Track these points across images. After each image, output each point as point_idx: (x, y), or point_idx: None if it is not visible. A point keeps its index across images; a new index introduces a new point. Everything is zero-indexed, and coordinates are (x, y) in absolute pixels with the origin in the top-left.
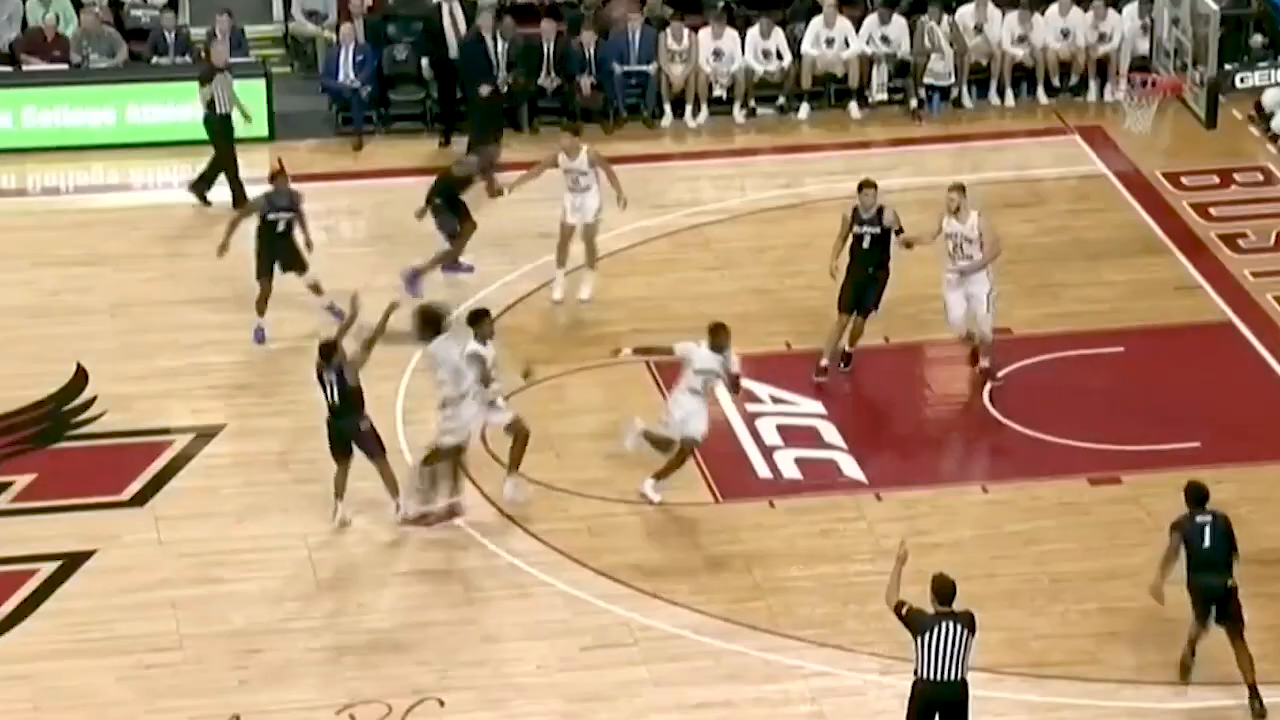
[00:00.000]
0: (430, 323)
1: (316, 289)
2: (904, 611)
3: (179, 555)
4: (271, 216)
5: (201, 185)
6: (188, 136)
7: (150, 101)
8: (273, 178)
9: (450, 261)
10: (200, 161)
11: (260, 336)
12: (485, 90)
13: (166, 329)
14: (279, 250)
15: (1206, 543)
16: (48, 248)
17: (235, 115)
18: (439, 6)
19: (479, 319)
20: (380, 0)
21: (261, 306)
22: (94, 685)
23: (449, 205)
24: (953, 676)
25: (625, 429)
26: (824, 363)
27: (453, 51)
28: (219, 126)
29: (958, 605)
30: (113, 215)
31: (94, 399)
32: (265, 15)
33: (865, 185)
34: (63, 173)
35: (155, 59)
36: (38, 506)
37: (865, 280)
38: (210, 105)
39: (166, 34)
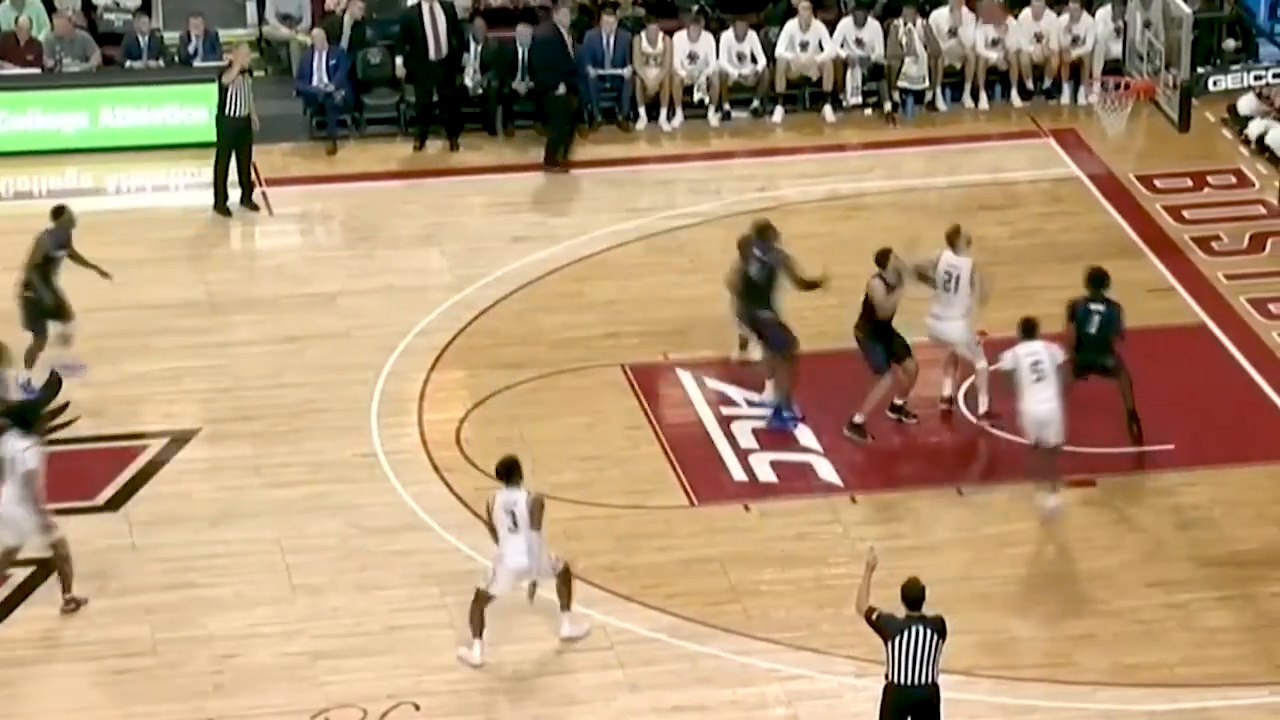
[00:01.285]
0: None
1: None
2: (874, 617)
3: (153, 560)
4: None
5: (244, 194)
6: (161, 140)
7: (123, 105)
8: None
9: None
10: (171, 165)
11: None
12: (562, 89)
13: (140, 334)
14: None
15: (1093, 329)
16: (20, 253)
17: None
18: (418, 7)
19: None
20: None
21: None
22: (67, 690)
23: None
24: (923, 680)
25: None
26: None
27: (433, 53)
28: (229, 128)
29: (933, 607)
30: (86, 220)
31: (67, 404)
32: (239, 19)
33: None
34: (35, 177)
35: (129, 63)
36: None
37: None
38: (221, 107)
39: (140, 38)
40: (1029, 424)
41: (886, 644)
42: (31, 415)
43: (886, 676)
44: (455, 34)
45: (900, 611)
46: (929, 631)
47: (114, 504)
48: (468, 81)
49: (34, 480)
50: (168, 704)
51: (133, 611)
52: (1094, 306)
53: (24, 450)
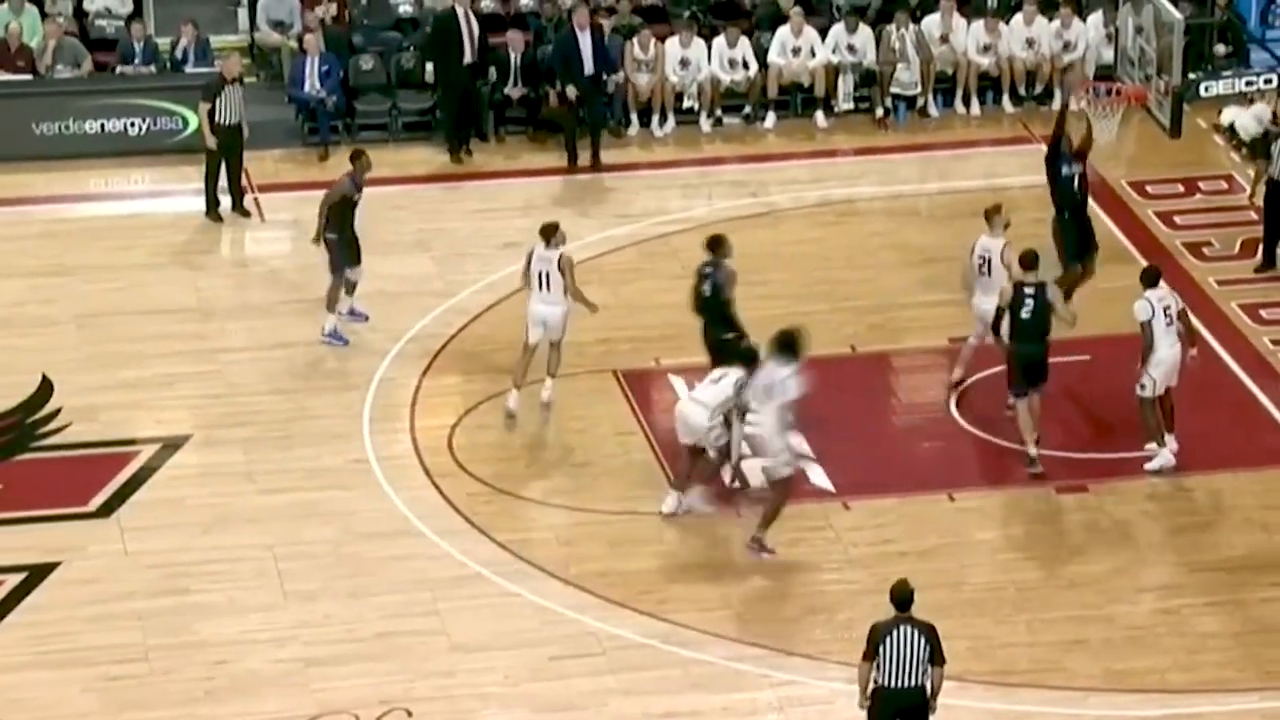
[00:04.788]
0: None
1: None
2: (865, 650)
3: (145, 566)
4: None
5: (235, 200)
6: (152, 146)
7: (116, 112)
8: None
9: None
10: (163, 171)
11: None
12: (572, 92)
13: (132, 340)
14: None
15: (1025, 314)
16: (12, 259)
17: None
18: (452, 10)
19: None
20: (344, 11)
21: None
22: (59, 697)
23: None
24: (914, 683)
25: None
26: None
27: (468, 56)
28: (219, 137)
29: (925, 612)
30: (78, 226)
31: (59, 410)
32: (230, 25)
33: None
34: (27, 183)
35: (120, 69)
36: (2, 518)
37: None
38: (211, 115)
39: (136, 44)
40: (1165, 371)
41: (871, 651)
42: (794, 342)
43: (875, 680)
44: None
45: (892, 614)
46: (918, 632)
47: (106, 510)
48: (509, 91)
49: (790, 410)
50: (160, 710)
51: (125, 618)
52: (1026, 289)
53: (785, 378)
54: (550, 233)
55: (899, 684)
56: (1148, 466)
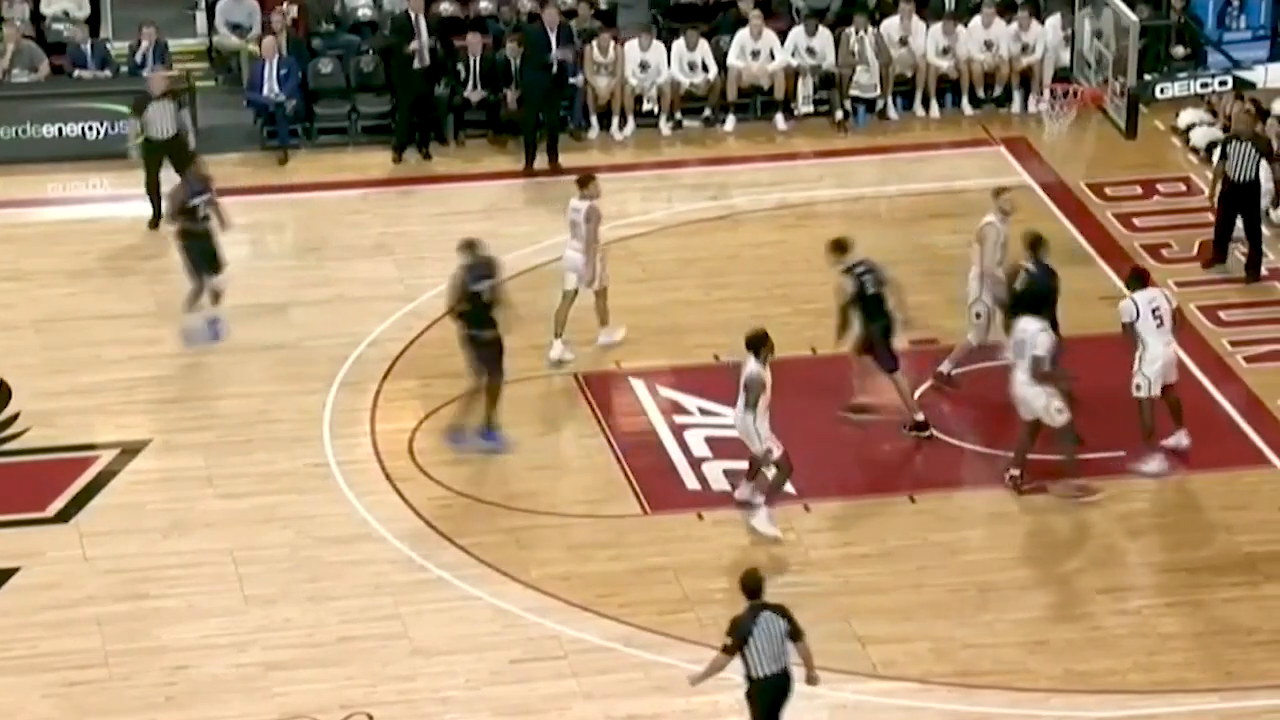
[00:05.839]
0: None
1: None
2: (730, 640)
3: (104, 571)
4: None
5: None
6: (110, 151)
7: (72, 116)
8: None
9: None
10: (121, 176)
11: None
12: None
13: (90, 344)
14: None
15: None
16: None
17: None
18: (406, 15)
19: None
20: (304, 16)
21: None
22: (18, 704)
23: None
24: (784, 665)
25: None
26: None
27: (419, 62)
28: (149, 150)
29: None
30: (35, 230)
31: (17, 415)
32: (189, 29)
33: None
34: None
35: (77, 73)
36: None
37: None
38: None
39: (84, 47)
40: (1160, 370)
41: (746, 643)
42: (1046, 296)
43: (748, 677)
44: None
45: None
46: (777, 617)
47: (65, 515)
48: (469, 94)
49: (1042, 364)
50: (120, 716)
51: (84, 623)
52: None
53: (1037, 333)
54: (583, 183)
55: (773, 669)
56: (1143, 468)
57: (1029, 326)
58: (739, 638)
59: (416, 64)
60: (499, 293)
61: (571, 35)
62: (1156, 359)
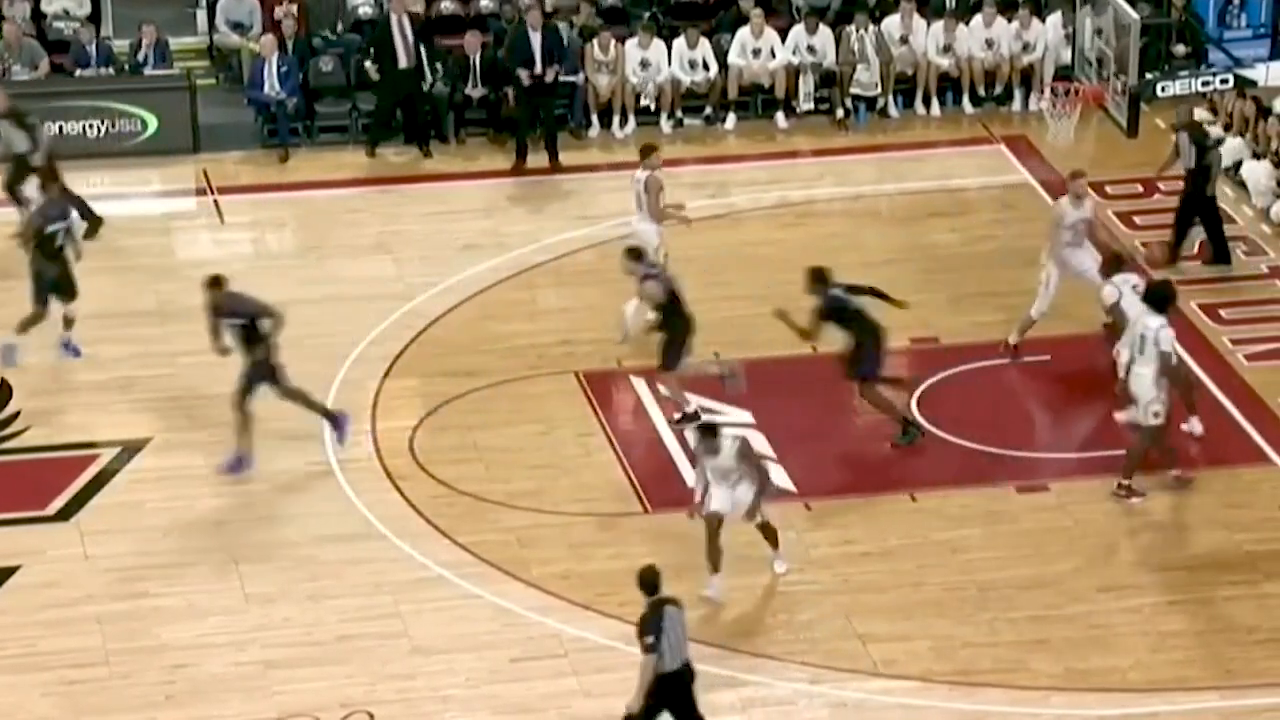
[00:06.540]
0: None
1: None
2: (647, 641)
3: (104, 570)
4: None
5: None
6: (111, 149)
7: (74, 114)
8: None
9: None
10: (121, 174)
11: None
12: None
13: (90, 343)
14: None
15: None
16: None
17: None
18: (386, 17)
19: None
20: (305, 15)
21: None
22: (18, 702)
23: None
24: (687, 656)
25: None
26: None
27: (402, 61)
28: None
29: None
30: None
31: (18, 414)
32: (189, 27)
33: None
34: None
35: (78, 71)
36: None
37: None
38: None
39: (88, 46)
40: (1167, 394)
41: (658, 640)
42: (1164, 295)
43: (661, 670)
44: (421, 44)
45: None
46: (679, 611)
47: (65, 514)
48: (469, 92)
49: (1168, 360)
50: (120, 715)
51: (84, 622)
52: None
53: (1159, 329)
54: (645, 153)
55: (678, 663)
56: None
57: (1151, 323)
58: (655, 633)
59: (402, 64)
60: None
61: (562, 42)
62: (1161, 386)
